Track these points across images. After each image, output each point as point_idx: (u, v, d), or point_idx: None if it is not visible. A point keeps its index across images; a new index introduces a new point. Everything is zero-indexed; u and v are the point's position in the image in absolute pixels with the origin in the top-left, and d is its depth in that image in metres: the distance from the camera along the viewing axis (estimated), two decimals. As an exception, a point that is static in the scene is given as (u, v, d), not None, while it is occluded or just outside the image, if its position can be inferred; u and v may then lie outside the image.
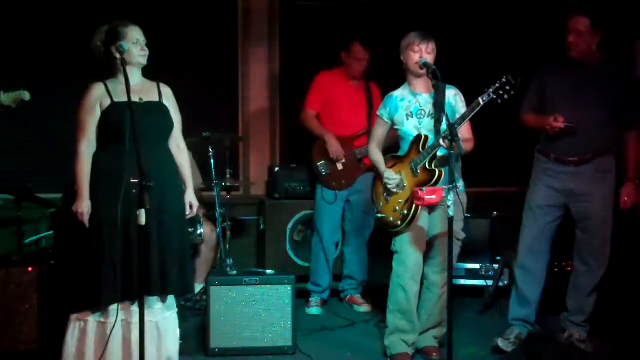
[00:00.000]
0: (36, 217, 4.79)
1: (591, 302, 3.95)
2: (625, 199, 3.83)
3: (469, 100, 3.68)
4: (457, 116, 3.61)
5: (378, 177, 3.87)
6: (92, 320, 3.25)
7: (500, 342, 3.91)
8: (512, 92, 3.34)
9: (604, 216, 3.86)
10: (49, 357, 3.63)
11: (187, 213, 3.44)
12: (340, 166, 4.77)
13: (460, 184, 3.58)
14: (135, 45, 3.24)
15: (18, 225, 4.25)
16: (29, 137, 5.04)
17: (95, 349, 3.24)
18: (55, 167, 4.82)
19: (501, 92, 3.34)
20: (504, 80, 3.34)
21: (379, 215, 3.83)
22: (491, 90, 3.35)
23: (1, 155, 4.99)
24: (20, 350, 3.73)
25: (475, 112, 3.41)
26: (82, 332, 3.26)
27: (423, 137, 3.63)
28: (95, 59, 3.31)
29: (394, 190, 3.70)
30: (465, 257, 4.48)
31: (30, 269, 3.79)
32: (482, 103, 3.37)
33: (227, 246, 4.74)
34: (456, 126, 3.35)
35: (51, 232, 4.61)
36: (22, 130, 4.97)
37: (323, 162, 4.78)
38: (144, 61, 3.31)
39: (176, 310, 3.46)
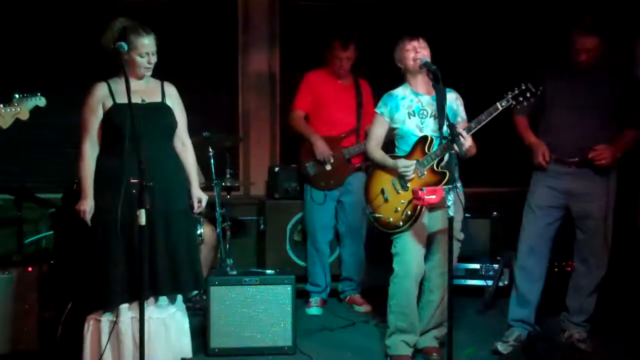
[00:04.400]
0: (36, 217, 4.79)
1: (591, 302, 3.96)
2: (599, 152, 3.73)
3: (471, 103, 3.70)
4: (459, 119, 3.65)
5: (373, 176, 3.83)
6: (105, 320, 3.27)
7: (500, 346, 3.91)
8: (532, 100, 3.44)
9: (604, 216, 3.85)
10: (49, 357, 3.63)
11: (196, 208, 3.45)
12: (328, 167, 4.73)
13: (459, 184, 3.58)
14: (142, 58, 3.23)
15: (18, 225, 4.26)
16: (29, 137, 5.03)
17: (108, 347, 3.27)
18: (55, 167, 4.82)
19: (521, 99, 3.43)
20: (523, 87, 3.43)
21: (376, 215, 3.78)
22: (510, 95, 3.43)
23: (1, 155, 4.99)
24: (20, 350, 3.73)
25: (492, 116, 3.45)
26: (97, 332, 3.29)
27: (429, 138, 3.62)
28: (103, 54, 3.28)
29: (412, 176, 3.62)
30: (465, 257, 4.48)
31: (30, 269, 3.79)
32: (500, 108, 3.45)
33: (227, 246, 4.73)
34: (473, 128, 3.44)
35: (51, 232, 4.61)
36: (23, 130, 4.95)
37: (311, 162, 4.75)
38: (148, 73, 3.31)
39: (184, 305, 3.47)
